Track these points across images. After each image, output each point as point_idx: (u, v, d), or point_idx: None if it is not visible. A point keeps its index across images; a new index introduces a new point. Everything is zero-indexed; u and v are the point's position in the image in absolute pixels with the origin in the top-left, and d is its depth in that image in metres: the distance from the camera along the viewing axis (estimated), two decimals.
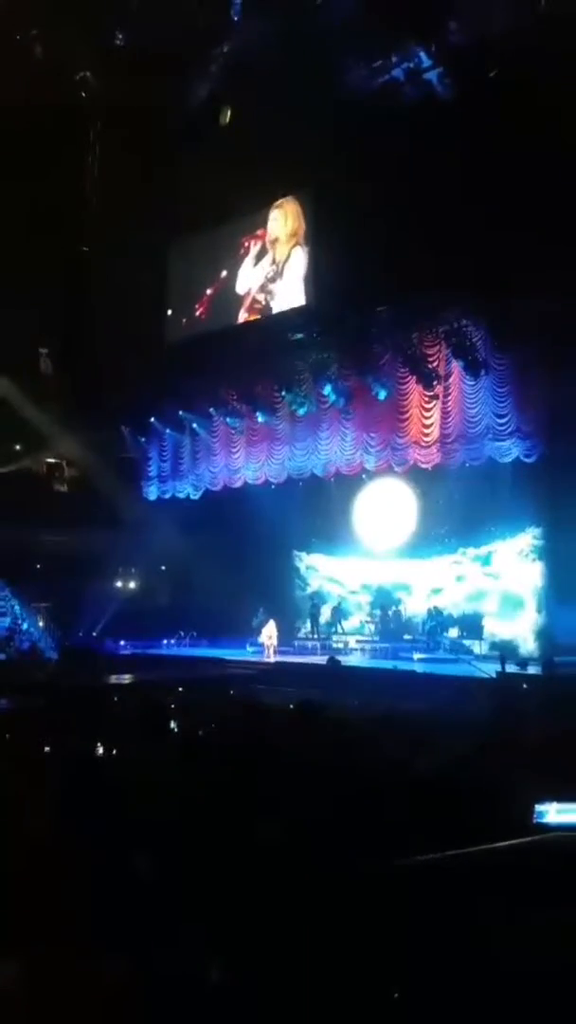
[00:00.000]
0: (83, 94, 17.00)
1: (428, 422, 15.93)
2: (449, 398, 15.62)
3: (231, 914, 1.66)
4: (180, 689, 8.59)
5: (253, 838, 1.96)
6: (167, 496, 20.72)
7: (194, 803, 2.50)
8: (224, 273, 19.39)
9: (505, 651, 14.55)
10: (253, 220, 19.00)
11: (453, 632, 17.15)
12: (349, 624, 19.31)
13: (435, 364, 15.62)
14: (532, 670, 12.98)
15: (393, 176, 14.41)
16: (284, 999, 1.48)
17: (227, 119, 16.79)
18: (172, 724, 4.92)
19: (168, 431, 20.54)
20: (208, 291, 19.65)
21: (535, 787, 2.62)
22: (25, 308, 18.22)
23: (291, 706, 4.69)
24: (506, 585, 17.12)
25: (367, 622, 19.08)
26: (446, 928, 1.53)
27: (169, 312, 20.40)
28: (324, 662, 14.92)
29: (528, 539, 16.51)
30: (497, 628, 16.69)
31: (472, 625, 17.09)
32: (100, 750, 4.11)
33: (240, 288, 19.13)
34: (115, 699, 7.68)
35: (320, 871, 1.67)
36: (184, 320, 20.31)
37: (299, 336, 17.41)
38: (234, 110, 16.77)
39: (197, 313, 19.87)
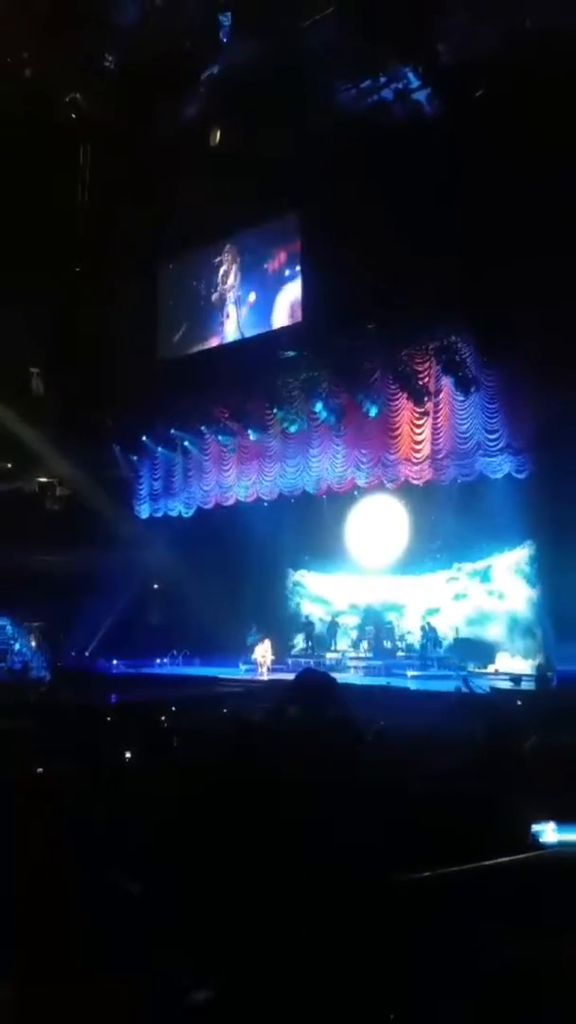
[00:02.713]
0: (73, 115, 17.13)
1: (419, 438, 15.99)
2: (439, 414, 15.69)
3: (229, 930, 1.65)
4: (173, 708, 8.52)
5: (249, 855, 1.94)
6: (159, 514, 20.70)
7: (189, 819, 2.49)
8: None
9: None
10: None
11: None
12: (343, 641, 19.25)
13: (425, 381, 15.71)
14: (525, 685, 12.96)
15: (383, 194, 14.56)
16: (280, 1017, 1.46)
17: (217, 139, 16.95)
18: (165, 742, 4.89)
19: (160, 449, 20.56)
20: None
21: (531, 803, 2.60)
22: (16, 327, 18.26)
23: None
24: (513, 606, 16.68)
25: (361, 639, 19.04)
26: (443, 946, 1.52)
27: (161, 330, 20.49)
28: None
29: (525, 553, 16.45)
30: (514, 665, 15.28)
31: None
32: (94, 769, 4.08)
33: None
34: (108, 719, 7.61)
35: (317, 887, 1.66)
36: (176, 338, 20.40)
37: (290, 354, 17.49)
38: (224, 130, 16.93)
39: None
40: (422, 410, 15.82)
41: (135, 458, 20.97)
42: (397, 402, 16.26)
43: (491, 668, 15.73)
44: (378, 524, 18.88)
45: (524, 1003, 1.51)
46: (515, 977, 1.54)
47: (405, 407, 16.17)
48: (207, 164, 17.15)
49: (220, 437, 19.18)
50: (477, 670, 15.70)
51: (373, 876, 1.62)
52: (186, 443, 19.99)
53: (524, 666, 14.81)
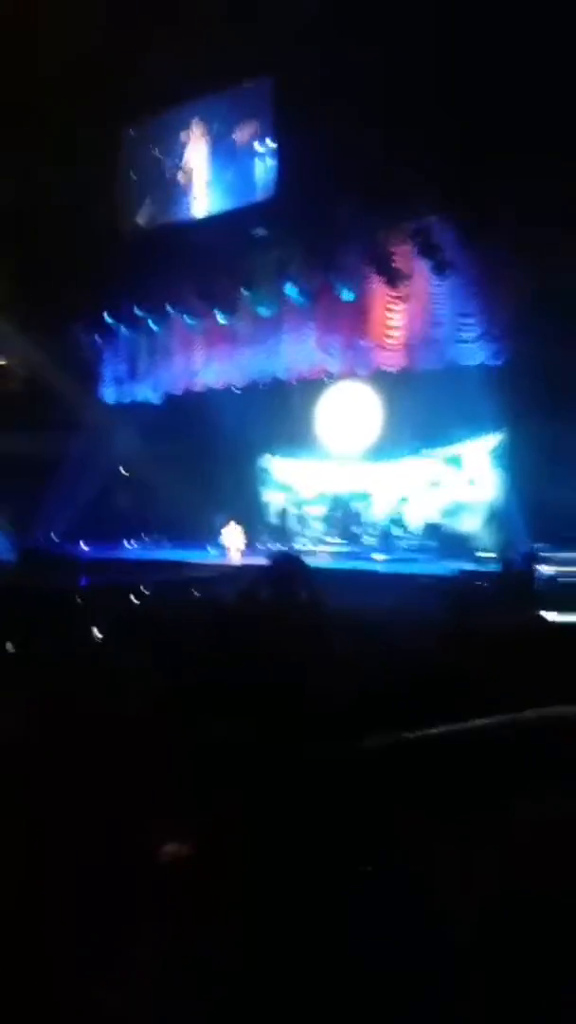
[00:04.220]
0: None
1: (392, 324, 15.69)
2: (414, 299, 15.35)
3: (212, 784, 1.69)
4: (143, 590, 8.58)
5: (221, 730, 1.98)
6: (127, 400, 20.31)
7: (165, 689, 2.55)
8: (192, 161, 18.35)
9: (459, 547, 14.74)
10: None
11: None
12: (311, 528, 19.49)
13: (401, 263, 15.26)
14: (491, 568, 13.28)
15: (364, 63, 13.64)
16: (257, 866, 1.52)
17: None
18: (137, 621, 4.95)
19: (124, 329, 19.91)
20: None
21: (499, 679, 2.68)
22: None
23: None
24: (487, 496, 16.60)
25: (329, 526, 19.29)
26: (420, 802, 1.58)
27: (123, 203, 19.40)
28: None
29: (498, 440, 16.49)
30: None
31: (454, 544, 16.18)
32: (64, 647, 4.13)
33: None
34: (78, 600, 7.65)
35: (293, 746, 1.71)
36: (139, 214, 19.37)
37: (261, 232, 16.77)
38: None
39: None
40: (397, 294, 15.45)
41: (98, 339, 20.31)
42: (371, 285, 15.83)
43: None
44: (350, 412, 18.78)
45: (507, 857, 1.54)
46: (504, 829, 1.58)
47: (379, 290, 15.76)
48: (177, 21, 15.75)
49: (186, 318, 18.61)
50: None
51: (349, 738, 1.66)
52: (151, 323, 19.36)
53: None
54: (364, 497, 19.00)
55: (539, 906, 1.42)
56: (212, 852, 1.63)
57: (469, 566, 13.14)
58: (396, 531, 17.70)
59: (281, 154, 16.76)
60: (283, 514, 19.68)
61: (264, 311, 17.42)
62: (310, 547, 18.02)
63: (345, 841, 1.57)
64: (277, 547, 17.39)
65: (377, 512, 18.58)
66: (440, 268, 14.54)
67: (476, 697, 2.27)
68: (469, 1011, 1.41)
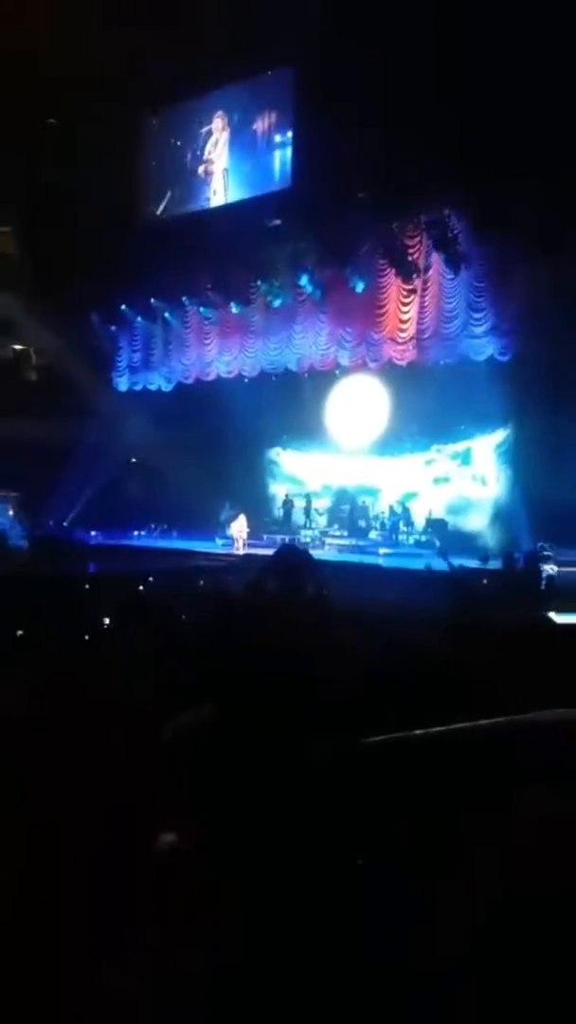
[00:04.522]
0: None
1: (405, 317, 15.67)
2: (427, 292, 15.32)
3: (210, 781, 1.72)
4: (151, 579, 8.64)
5: (228, 704, 2.01)
6: (138, 388, 20.36)
7: (169, 674, 2.58)
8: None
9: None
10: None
11: None
12: (319, 521, 19.51)
13: (415, 256, 15.23)
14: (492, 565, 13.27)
15: (382, 57, 13.61)
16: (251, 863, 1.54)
17: None
18: (143, 609, 5.00)
19: (139, 320, 19.96)
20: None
21: (502, 678, 2.71)
22: None
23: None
24: (495, 493, 16.52)
25: (335, 519, 19.30)
26: (412, 801, 1.60)
27: (143, 194, 19.44)
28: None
29: (505, 436, 16.43)
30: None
31: (458, 540, 15.93)
32: (73, 633, 4.18)
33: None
34: (86, 587, 7.72)
35: (294, 739, 1.74)
36: (160, 206, 19.39)
37: (277, 222, 16.75)
38: None
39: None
40: (410, 287, 15.42)
41: (113, 328, 20.37)
42: (385, 278, 15.80)
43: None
44: (360, 405, 18.75)
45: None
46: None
47: (393, 283, 15.73)
48: (200, 9, 15.71)
49: (202, 309, 18.63)
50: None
51: (351, 733, 1.69)
52: (167, 314, 19.40)
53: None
54: (372, 491, 19.00)
55: (539, 907, 1.44)
56: (211, 842, 1.65)
57: (472, 563, 13.13)
58: (402, 526, 17.71)
59: (299, 144, 16.73)
60: (290, 506, 19.70)
61: (278, 303, 17.42)
62: (317, 540, 18.03)
63: (343, 834, 1.59)
64: (284, 539, 17.40)
65: (384, 507, 18.58)
66: (454, 261, 14.50)
67: (479, 696, 2.29)
68: (467, 1004, 1.41)
